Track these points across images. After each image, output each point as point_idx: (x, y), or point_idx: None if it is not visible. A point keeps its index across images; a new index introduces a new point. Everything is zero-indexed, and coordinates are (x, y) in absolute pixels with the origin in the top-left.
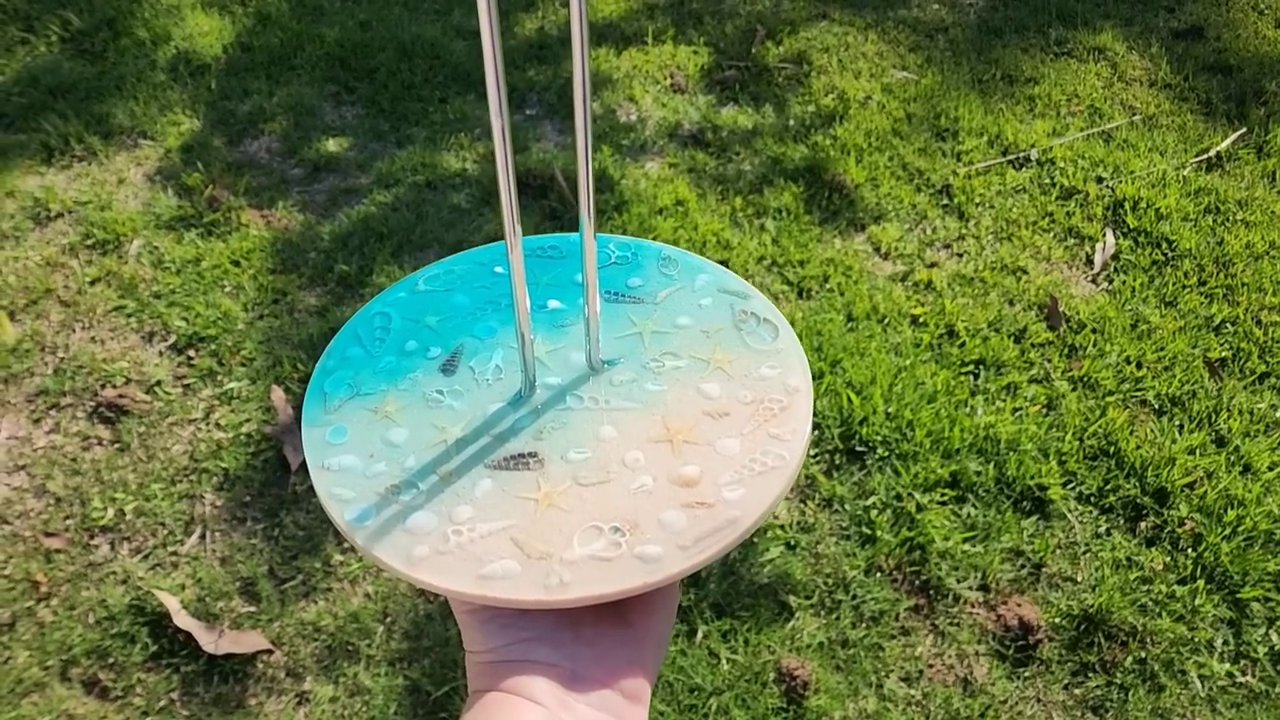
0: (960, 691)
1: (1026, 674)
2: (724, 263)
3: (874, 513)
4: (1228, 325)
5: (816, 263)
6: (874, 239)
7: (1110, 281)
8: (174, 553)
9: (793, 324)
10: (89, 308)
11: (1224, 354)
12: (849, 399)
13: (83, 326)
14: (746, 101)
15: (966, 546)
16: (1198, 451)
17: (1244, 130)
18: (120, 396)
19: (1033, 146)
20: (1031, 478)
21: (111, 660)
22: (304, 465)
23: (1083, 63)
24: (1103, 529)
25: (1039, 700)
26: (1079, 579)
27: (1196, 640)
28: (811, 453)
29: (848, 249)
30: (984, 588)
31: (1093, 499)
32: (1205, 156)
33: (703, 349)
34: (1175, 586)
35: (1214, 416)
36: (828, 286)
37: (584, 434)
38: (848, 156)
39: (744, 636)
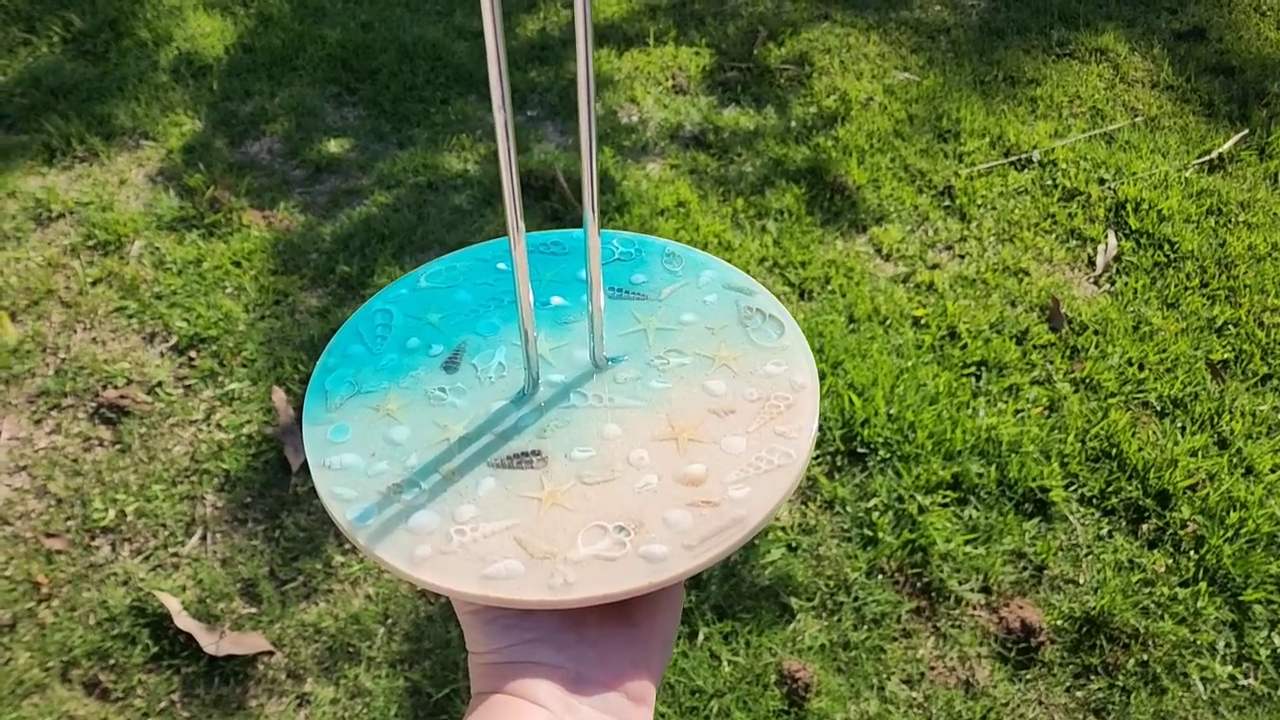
0: (962, 694)
1: (1028, 676)
2: None
3: (875, 514)
4: (1230, 327)
5: (818, 264)
6: (876, 240)
7: (1112, 283)
8: (175, 554)
9: None
10: (90, 308)
11: (1226, 356)
12: (851, 400)
13: (84, 327)
14: (748, 103)
15: (968, 548)
16: (1200, 453)
17: (1246, 132)
18: (121, 397)
19: (1035, 148)
20: (1033, 479)
21: (112, 661)
22: (305, 466)
23: (1085, 64)
24: (1105, 531)
25: (1041, 703)
26: (1081, 581)
27: (1199, 643)
28: (813, 454)
29: (849, 250)
30: (986, 590)
31: (1095, 501)
32: (1207, 158)
33: (708, 346)
34: (1177, 589)
35: (1216, 418)
36: (829, 288)
37: (588, 432)
38: (849, 158)
39: (745, 638)
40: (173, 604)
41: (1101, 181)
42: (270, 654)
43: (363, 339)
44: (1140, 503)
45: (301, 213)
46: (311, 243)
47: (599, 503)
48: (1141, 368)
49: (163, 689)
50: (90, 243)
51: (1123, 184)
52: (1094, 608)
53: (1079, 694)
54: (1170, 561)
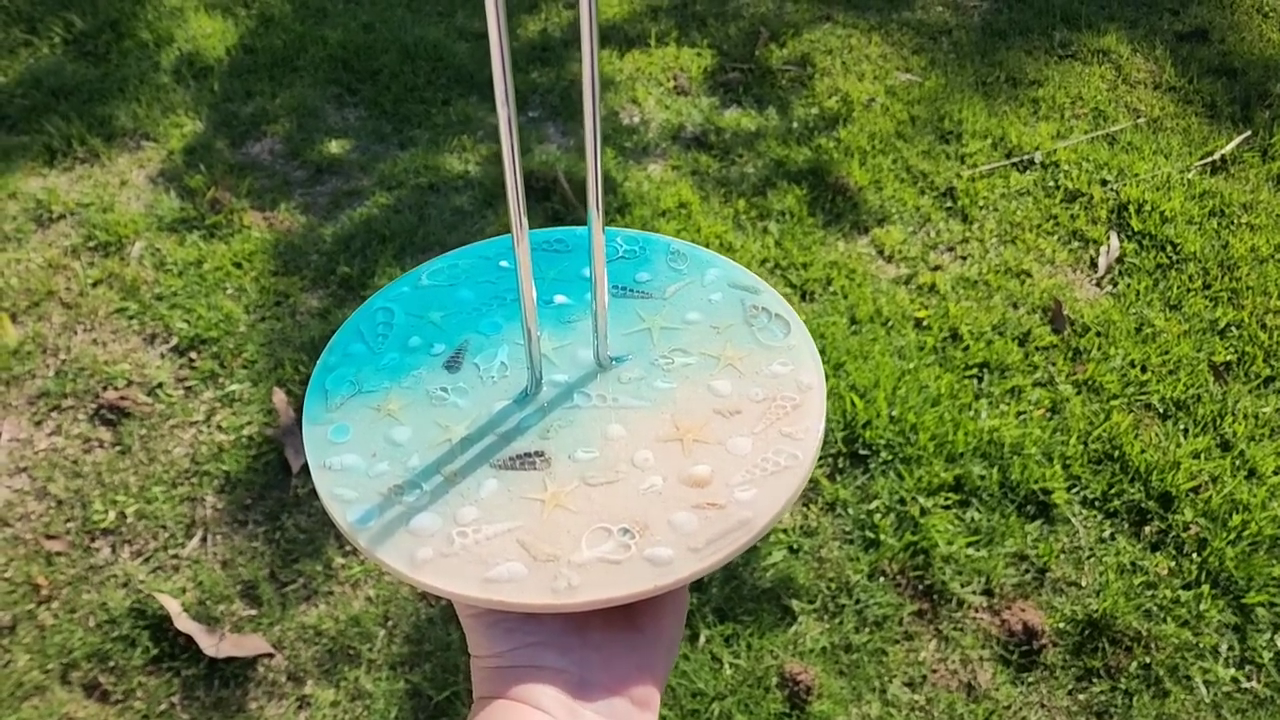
0: (964, 697)
1: (1031, 679)
2: None
3: (877, 517)
4: (1233, 329)
5: (820, 265)
6: (877, 242)
7: (1115, 285)
8: (175, 556)
9: None
10: (91, 310)
11: (1229, 358)
12: (852, 402)
13: (84, 328)
14: (750, 104)
15: (970, 551)
16: (1202, 456)
17: (1248, 133)
18: (122, 399)
19: (1037, 149)
20: (1035, 482)
21: (112, 663)
22: (305, 468)
23: (1087, 65)
24: (1107, 533)
25: (1043, 706)
26: (1083, 584)
27: (1201, 645)
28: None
29: (851, 252)
30: (988, 592)
31: (1097, 503)
32: (1210, 159)
33: (713, 345)
34: (1180, 591)
35: (1219, 420)
36: (831, 289)
37: (592, 433)
38: (851, 159)
39: (746, 641)
40: (173, 606)
41: (1104, 183)
42: (270, 656)
43: (364, 337)
44: (1143, 505)
45: (302, 214)
46: (312, 244)
47: (603, 504)
48: (1144, 370)
49: (163, 691)
50: (91, 244)
51: (1125, 185)
52: (1096, 610)
53: (1081, 697)
54: (1173, 564)
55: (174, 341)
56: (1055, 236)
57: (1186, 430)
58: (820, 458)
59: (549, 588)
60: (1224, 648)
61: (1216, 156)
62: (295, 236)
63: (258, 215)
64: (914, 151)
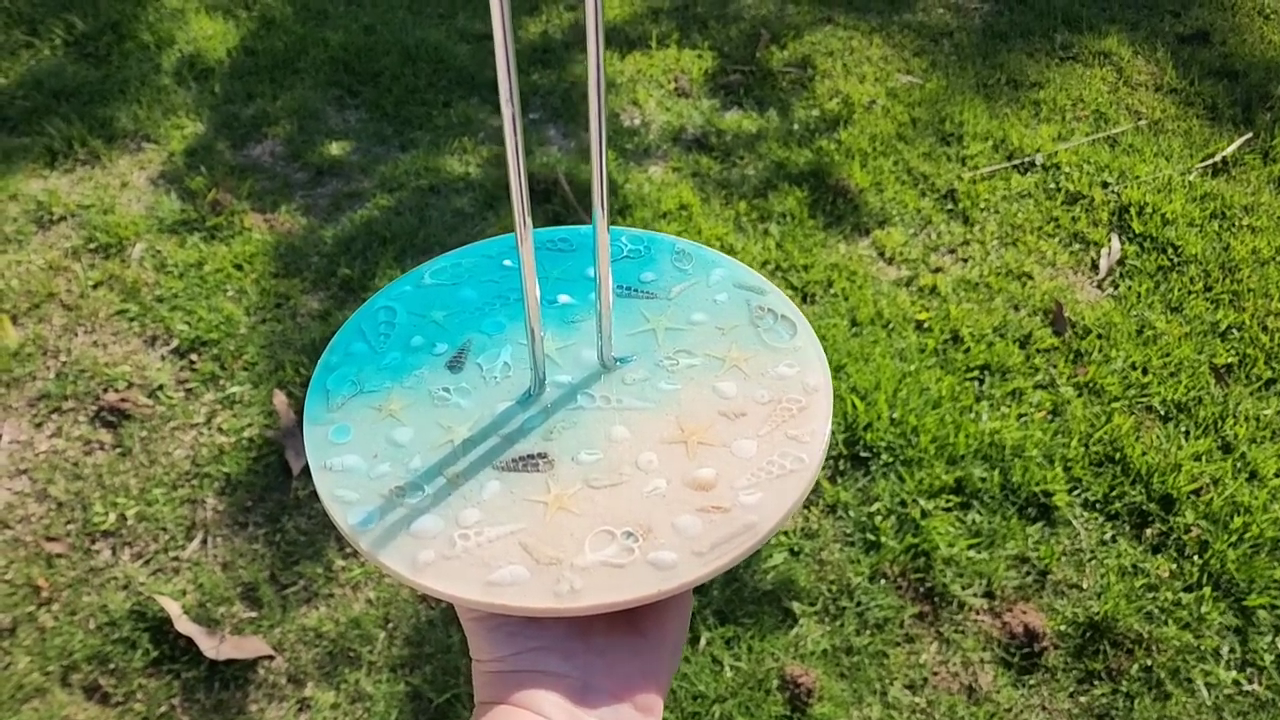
0: (965, 699)
1: (1032, 682)
2: None
3: (878, 519)
4: (1234, 331)
5: (821, 267)
6: (878, 244)
7: (1116, 287)
8: (175, 558)
9: None
10: (91, 311)
11: (1230, 360)
12: (853, 405)
13: (85, 330)
14: (750, 105)
15: (971, 553)
16: (1204, 458)
17: (1250, 135)
18: (122, 401)
19: (1038, 151)
20: (1037, 484)
21: (112, 666)
22: (306, 470)
23: (1088, 67)
24: (1108, 536)
25: (1044, 708)
26: (1084, 586)
27: (1203, 648)
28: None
29: (852, 254)
30: (989, 595)
31: (1098, 505)
32: (1211, 162)
33: (718, 346)
34: (1181, 594)
35: (1220, 423)
36: (832, 291)
37: (595, 434)
38: (852, 161)
39: (747, 643)
40: (173, 608)
41: (1105, 185)
42: (271, 658)
43: (365, 337)
44: (1144, 507)
45: (303, 215)
46: (313, 246)
47: (606, 507)
48: (1145, 372)
49: (163, 693)
50: (91, 245)
51: (1126, 187)
52: (1097, 612)
53: (1082, 699)
54: (1174, 566)
55: (174, 343)
56: (1056, 239)
57: (1188, 432)
58: None
59: (552, 591)
60: (1225, 650)
61: (1218, 159)
62: (296, 238)
63: (258, 217)
64: (915, 153)
